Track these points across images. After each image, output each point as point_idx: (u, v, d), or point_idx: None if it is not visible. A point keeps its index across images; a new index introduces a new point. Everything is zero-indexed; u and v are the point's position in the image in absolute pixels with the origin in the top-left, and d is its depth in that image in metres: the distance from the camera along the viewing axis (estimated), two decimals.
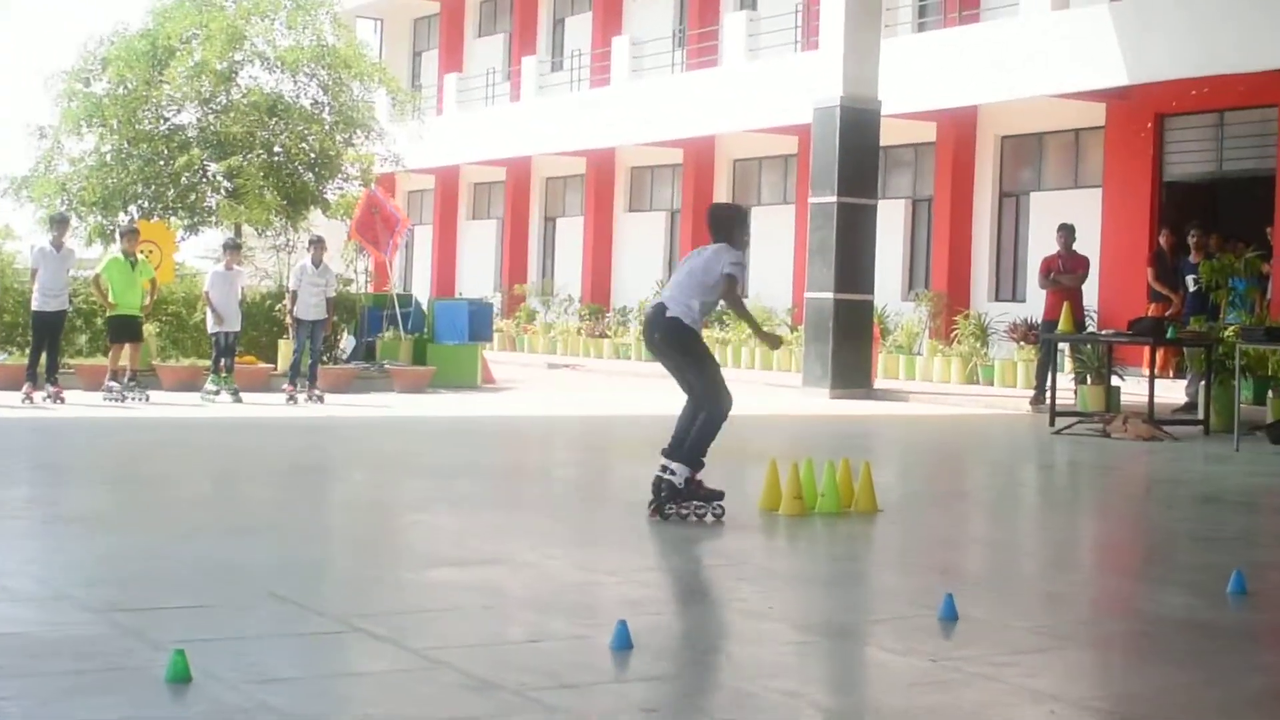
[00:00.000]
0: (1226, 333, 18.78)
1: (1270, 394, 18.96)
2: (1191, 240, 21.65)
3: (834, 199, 24.15)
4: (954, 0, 30.39)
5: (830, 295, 24.18)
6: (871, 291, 24.93)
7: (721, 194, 36.77)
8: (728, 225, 10.73)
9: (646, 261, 38.71)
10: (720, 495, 10.27)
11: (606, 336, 36.56)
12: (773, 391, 25.55)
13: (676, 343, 10.75)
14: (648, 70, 38.11)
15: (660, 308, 10.63)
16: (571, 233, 41.71)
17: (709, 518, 10.15)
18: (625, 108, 36.64)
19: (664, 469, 10.36)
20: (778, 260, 34.28)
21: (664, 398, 23.64)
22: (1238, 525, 11.35)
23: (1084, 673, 6.54)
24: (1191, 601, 7.86)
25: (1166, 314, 21.89)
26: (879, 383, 25.60)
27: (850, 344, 24.32)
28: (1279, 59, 23.31)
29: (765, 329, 10.66)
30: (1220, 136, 26.34)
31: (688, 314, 10.61)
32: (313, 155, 27.60)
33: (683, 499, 10.21)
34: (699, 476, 10.27)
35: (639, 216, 39.78)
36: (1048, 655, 6.67)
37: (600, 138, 37.79)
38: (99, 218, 27.27)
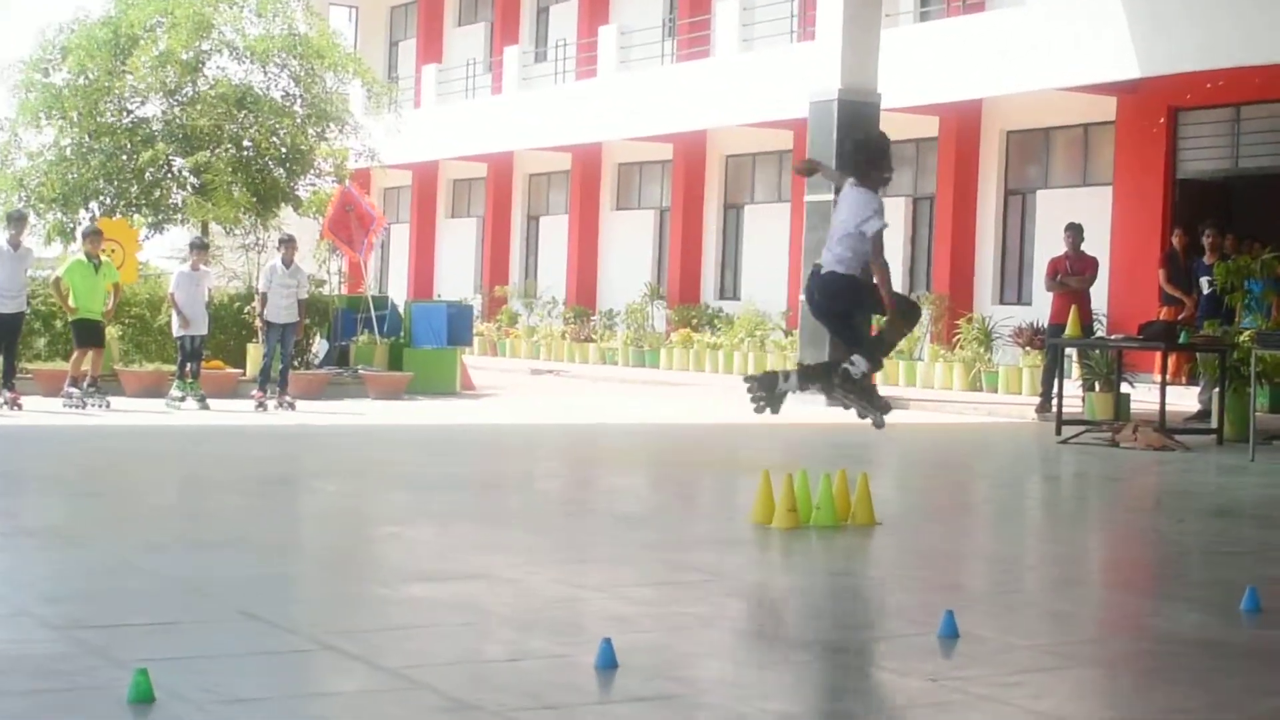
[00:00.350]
0: (1242, 337, 18.81)
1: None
2: (1206, 240, 21.70)
3: (831, 197, 24.00)
4: None
5: None
6: None
7: (713, 191, 36.85)
8: (863, 162, 11.32)
9: (634, 262, 38.75)
10: (888, 409, 11.23)
11: (592, 341, 36.59)
12: None
13: (838, 293, 11.10)
14: (636, 61, 38.15)
15: (815, 269, 11.19)
16: (556, 232, 41.73)
17: (870, 420, 11.21)
18: (612, 100, 36.67)
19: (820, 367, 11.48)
20: (772, 261, 34.32)
21: (651, 405, 23.71)
22: (1252, 539, 11.39)
23: (1091, 693, 6.56)
24: (1203, 619, 7.88)
25: (1179, 317, 21.94)
26: (878, 389, 25.58)
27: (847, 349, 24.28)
28: None
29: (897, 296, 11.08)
30: (1236, 132, 26.40)
31: (841, 263, 10.97)
32: (284, 150, 27.57)
33: (855, 391, 11.09)
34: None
35: (626, 215, 39.81)
36: (1053, 675, 6.68)
37: (586, 132, 37.81)
38: (58, 215, 27.23)
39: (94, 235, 20.83)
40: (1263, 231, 24.09)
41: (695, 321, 34.79)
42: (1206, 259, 21.53)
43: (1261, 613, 7.85)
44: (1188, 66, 25.03)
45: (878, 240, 10.85)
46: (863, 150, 11.51)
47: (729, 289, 36.60)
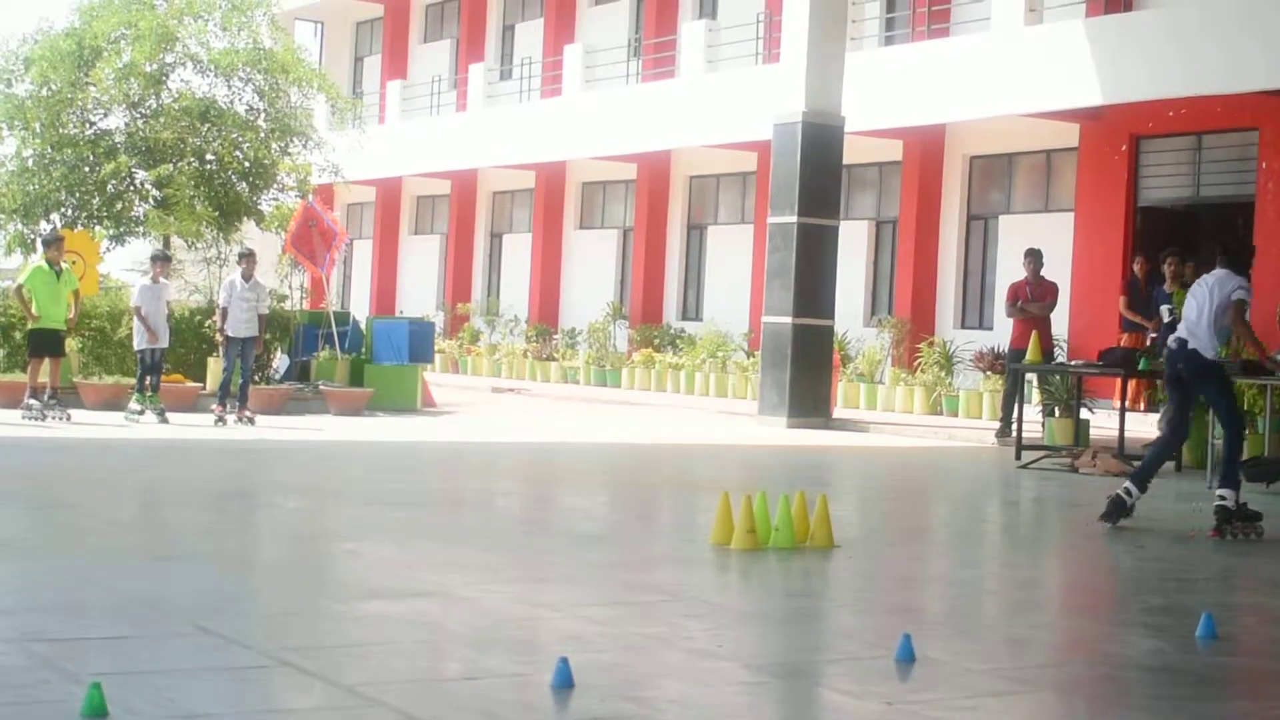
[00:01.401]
0: None
1: (1245, 430, 19.08)
2: (1167, 268, 21.77)
3: (794, 219, 24.23)
4: (923, 13, 30.55)
5: (789, 320, 24.25)
6: (832, 317, 25.01)
7: (677, 212, 36.88)
8: (1235, 254, 13.25)
9: (597, 281, 38.77)
10: (1259, 517, 12.58)
11: (554, 359, 36.58)
12: (728, 420, 25.61)
13: (1199, 374, 12.81)
14: (601, 81, 38.18)
15: (1183, 343, 12.78)
16: (519, 250, 41.73)
17: (1253, 536, 12.38)
18: (577, 120, 36.69)
19: (1128, 492, 12.71)
20: (734, 283, 34.38)
21: (612, 424, 23.71)
22: (1210, 566, 11.42)
23: (1046, 718, 6.58)
24: (1159, 645, 7.91)
25: (1150, 335, 22.04)
26: (838, 412, 25.68)
27: (809, 371, 24.38)
28: (1260, 80, 23.52)
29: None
30: (1198, 160, 26.54)
31: (1208, 347, 12.75)
32: (247, 164, 27.50)
33: (1234, 519, 12.44)
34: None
35: (590, 234, 39.83)
36: (1009, 700, 6.70)
37: (550, 150, 37.83)
38: (19, 225, 27.12)
39: (57, 242, 20.77)
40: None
41: (657, 341, 34.81)
42: (1167, 286, 21.59)
43: (1217, 639, 7.88)
44: (1150, 94, 25.16)
45: (1239, 305, 12.91)
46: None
47: (691, 309, 36.65)
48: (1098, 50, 25.44)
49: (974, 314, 30.34)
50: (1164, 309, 21.44)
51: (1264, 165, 24.98)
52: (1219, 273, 13.00)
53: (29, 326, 20.44)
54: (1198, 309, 12.86)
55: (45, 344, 20.12)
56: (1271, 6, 23.55)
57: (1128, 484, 12.83)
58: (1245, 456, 17.68)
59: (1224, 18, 24.06)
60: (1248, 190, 25.36)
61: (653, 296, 36.95)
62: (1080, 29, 26.01)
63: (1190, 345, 12.76)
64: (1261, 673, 7.72)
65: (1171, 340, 13.10)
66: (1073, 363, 22.10)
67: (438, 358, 35.98)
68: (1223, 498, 12.56)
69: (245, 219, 27.99)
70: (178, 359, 23.63)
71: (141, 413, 20.61)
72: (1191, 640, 7.88)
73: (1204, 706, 6.72)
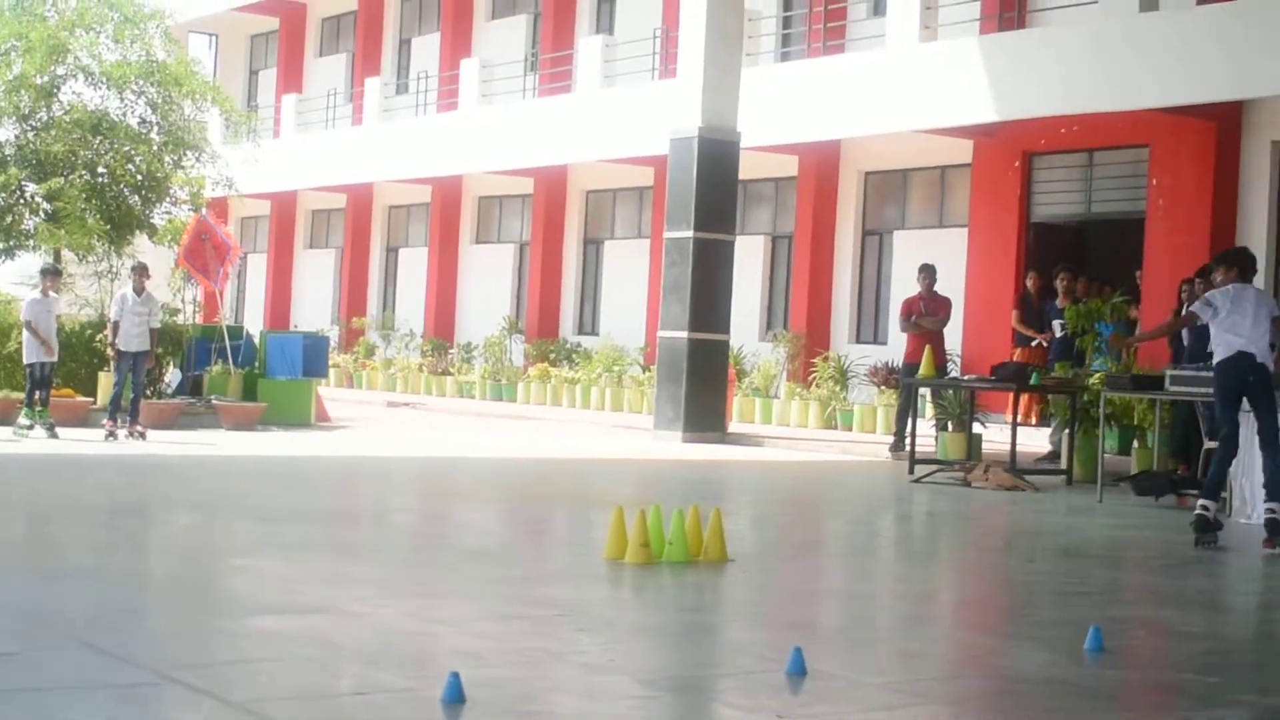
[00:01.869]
0: (1092, 380, 19.08)
1: (1135, 444, 19.30)
2: (1059, 283, 21.98)
3: (690, 234, 24.28)
4: (819, 30, 30.71)
5: (684, 335, 24.30)
6: (727, 331, 25.08)
7: (573, 226, 36.89)
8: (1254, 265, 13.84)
9: (493, 296, 38.72)
10: None
11: (449, 374, 36.48)
12: (623, 434, 25.61)
13: (1268, 384, 13.19)
14: (498, 95, 38.13)
15: (1247, 355, 13.14)
16: (414, 264, 41.60)
17: None
18: (473, 134, 36.62)
19: (1205, 508, 12.97)
20: (630, 297, 34.43)
21: (507, 439, 23.65)
22: (1099, 579, 11.53)
23: None
24: (1049, 658, 7.96)
25: (1035, 344, 22.23)
26: (734, 426, 25.74)
27: (704, 386, 24.43)
28: (1150, 99, 23.79)
29: None
30: (1089, 177, 26.83)
31: (1269, 356, 13.31)
32: (139, 177, 27.26)
33: None
34: None
35: (486, 248, 39.77)
36: (901, 713, 6.72)
37: (447, 165, 37.74)
38: None
39: None
40: (1114, 276, 24.49)
41: (553, 356, 34.78)
42: (1059, 302, 21.80)
43: (1104, 652, 7.95)
44: (1043, 111, 25.40)
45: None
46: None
47: (588, 324, 36.65)
48: (992, 67, 25.66)
49: (869, 329, 30.50)
50: (1056, 323, 21.67)
51: (1154, 182, 25.27)
52: (1249, 288, 13.49)
53: None
54: (1253, 321, 13.19)
55: None
56: (1160, 27, 23.83)
57: (1203, 501, 13.10)
58: (1134, 471, 17.92)
59: (1114, 37, 24.33)
60: (1139, 206, 25.63)
61: (549, 311, 36.92)
62: (975, 46, 26.22)
63: (1259, 359, 13.16)
64: (1148, 684, 7.79)
65: (1226, 350, 13.33)
66: (966, 377, 22.27)
67: (332, 372, 35.78)
68: (1271, 510, 12.89)
69: (137, 232, 27.74)
70: (68, 373, 23.38)
71: (31, 428, 20.37)
72: (1080, 653, 7.94)
73: (1092, 718, 6.76)
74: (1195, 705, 7.10)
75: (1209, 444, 16.63)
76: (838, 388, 27.89)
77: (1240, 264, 13.70)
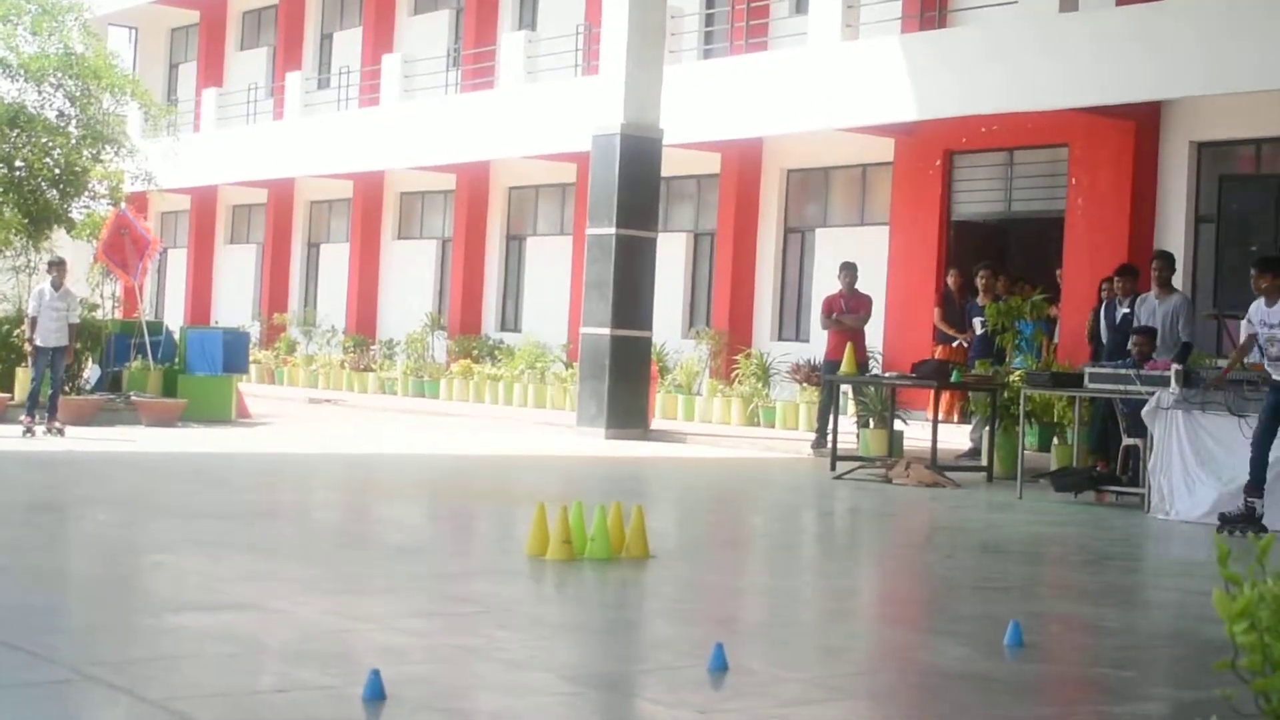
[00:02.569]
0: (1012, 377, 19.22)
1: (1055, 441, 19.45)
2: (980, 281, 22.10)
3: (612, 231, 24.31)
4: (741, 28, 30.79)
5: (607, 331, 24.32)
6: (650, 328, 25.11)
7: (496, 223, 36.84)
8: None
9: (415, 292, 38.62)
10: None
11: (371, 370, 36.37)
12: (546, 431, 25.61)
13: None
14: (420, 91, 38.05)
15: None
16: (336, 260, 41.45)
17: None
18: (396, 129, 36.53)
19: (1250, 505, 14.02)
20: (553, 294, 34.41)
21: (429, 435, 23.62)
22: (1018, 574, 11.63)
23: None
24: (969, 653, 8.02)
25: (957, 343, 22.37)
26: (656, 423, 25.78)
27: (627, 383, 24.47)
28: (1068, 98, 23.96)
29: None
30: (1009, 175, 26.99)
31: None
32: (57, 171, 27.04)
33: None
34: None
35: (408, 244, 39.67)
36: (821, 708, 6.76)
37: (369, 160, 37.63)
38: None
39: None
40: (1033, 274, 24.67)
41: (476, 353, 34.73)
42: (980, 299, 21.93)
43: (1023, 647, 8.01)
44: (962, 110, 25.53)
45: None
46: None
47: (510, 320, 36.61)
48: (913, 66, 25.79)
49: (791, 326, 30.60)
50: (976, 321, 21.80)
51: (1074, 181, 25.45)
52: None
53: None
54: None
55: None
56: (1079, 27, 24.00)
57: (1248, 498, 14.05)
58: (1054, 467, 18.07)
59: (1034, 37, 24.49)
60: (1058, 205, 25.81)
61: (471, 307, 36.86)
62: (896, 45, 26.34)
63: None
64: (1066, 679, 7.86)
65: None
66: (887, 374, 22.37)
67: (253, 368, 35.63)
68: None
69: (55, 227, 27.51)
70: None
71: None
72: (999, 648, 8.01)
73: (1011, 712, 6.83)
74: (1112, 699, 7.17)
75: (1127, 441, 16.80)
76: (760, 385, 27.96)
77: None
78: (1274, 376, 14.07)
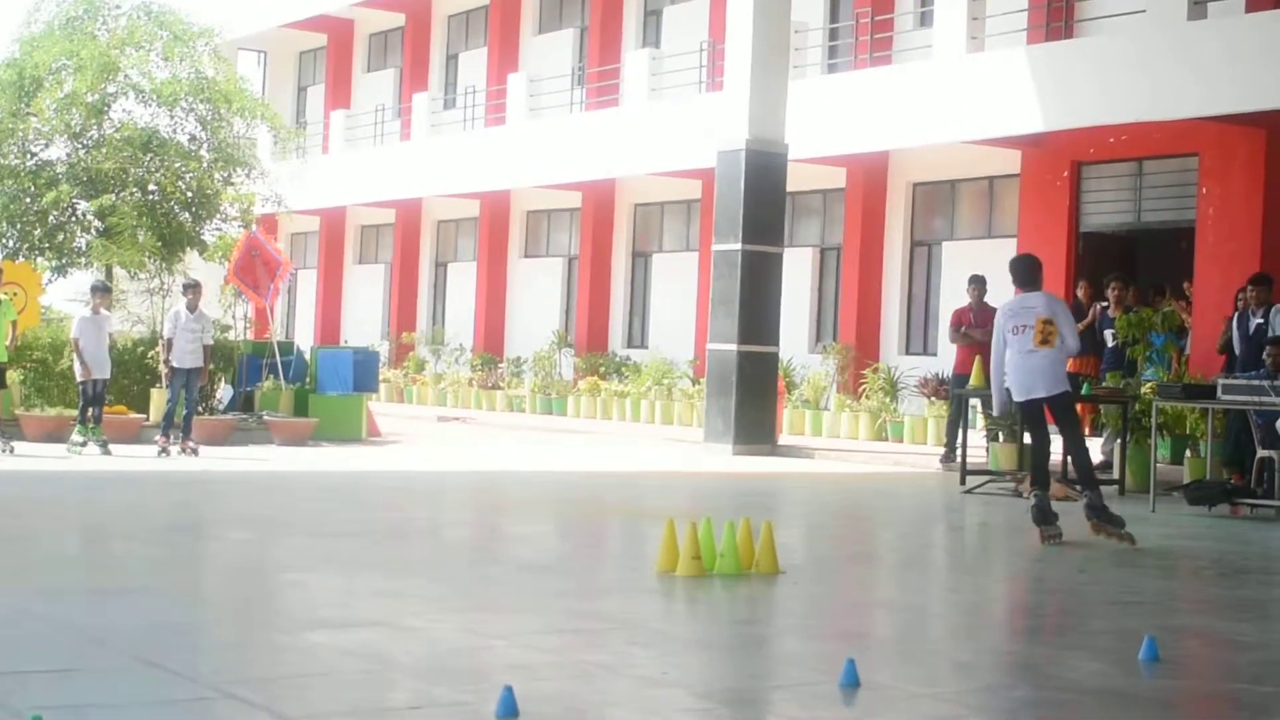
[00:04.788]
0: (1143, 390, 19.02)
1: (1187, 453, 19.22)
2: (1111, 293, 21.88)
3: (738, 246, 24.29)
4: (865, 41, 30.69)
5: (734, 347, 24.31)
6: (777, 343, 25.07)
7: (621, 240, 36.93)
8: None
9: (542, 309, 38.77)
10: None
11: (499, 388, 36.55)
12: (673, 447, 25.62)
13: None
14: (545, 109, 38.22)
15: None
16: (463, 279, 41.69)
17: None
18: (521, 148, 36.71)
19: None
20: (679, 310, 34.44)
21: (557, 453, 23.70)
22: (1152, 589, 11.50)
23: None
24: (1103, 668, 7.95)
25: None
26: (784, 439, 25.73)
27: (754, 398, 24.43)
28: (1199, 107, 23.70)
29: None
30: (1139, 186, 26.72)
31: None
32: (190, 194, 27.42)
33: None
34: None
35: (535, 262, 39.84)
36: None
37: (495, 179, 37.84)
38: None
39: None
40: (1164, 285, 24.40)
41: (603, 369, 34.82)
42: (1111, 311, 21.71)
43: (1159, 662, 7.93)
44: (1091, 121, 25.33)
45: None
46: None
47: (636, 337, 36.67)
48: (1039, 77, 25.61)
49: (918, 340, 30.45)
50: (1108, 333, 21.60)
51: (1204, 190, 25.17)
52: None
53: None
54: None
55: None
56: (1208, 35, 23.76)
57: None
58: (1187, 480, 17.85)
59: (1161, 46, 24.26)
60: (1188, 216, 25.53)
61: (598, 324, 36.97)
62: (1022, 56, 26.18)
63: None
64: (1202, 694, 7.77)
65: None
66: None
67: (383, 387, 35.90)
68: None
69: (188, 249, 27.91)
70: (121, 390, 23.53)
71: (84, 445, 20.48)
72: (1134, 663, 7.93)
73: None
74: (1250, 715, 7.09)
75: (1262, 452, 16.57)
76: (888, 399, 27.85)
77: None
78: None
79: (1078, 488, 14.83)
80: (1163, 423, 18.52)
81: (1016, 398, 13.79)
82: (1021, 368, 13.56)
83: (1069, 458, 13.37)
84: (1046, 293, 13.88)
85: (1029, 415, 14.14)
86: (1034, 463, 14.03)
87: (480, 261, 40.56)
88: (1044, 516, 13.46)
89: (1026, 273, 13.92)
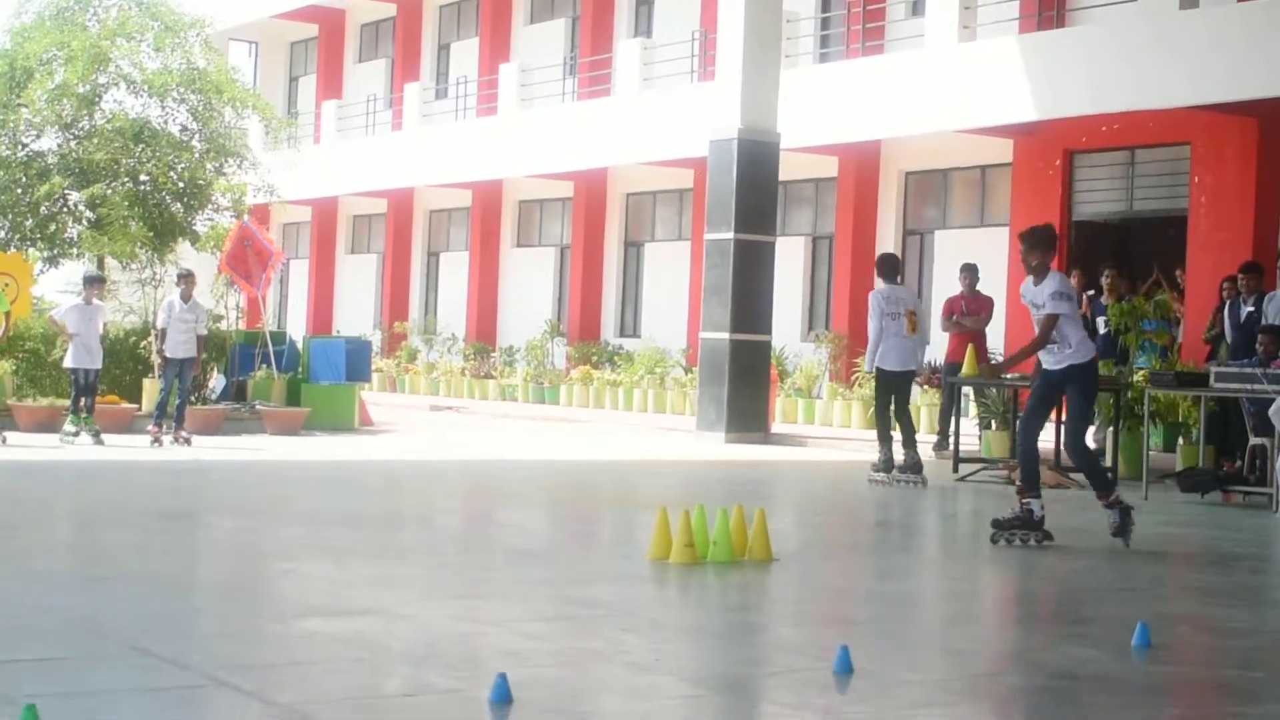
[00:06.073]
0: (1136, 377, 19.04)
1: (1180, 441, 19.23)
2: (1105, 281, 21.88)
3: (731, 235, 24.29)
4: (857, 30, 30.67)
5: (726, 336, 24.31)
6: (769, 332, 25.08)
7: (614, 229, 36.91)
8: None
9: (534, 299, 38.76)
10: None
11: (492, 377, 36.54)
12: (666, 436, 25.63)
13: None
14: (537, 99, 38.19)
15: None
16: (456, 268, 41.67)
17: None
18: (513, 138, 36.68)
19: None
20: (672, 299, 34.43)
21: (550, 442, 23.71)
22: (1144, 576, 11.51)
23: None
24: (1095, 655, 7.96)
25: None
26: (776, 427, 25.73)
27: (747, 387, 24.44)
28: (1190, 96, 23.70)
29: None
30: (1131, 175, 26.73)
31: None
32: (181, 184, 27.39)
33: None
34: None
35: (527, 252, 39.82)
36: (945, 711, 6.74)
37: (487, 169, 37.81)
38: None
39: None
40: (1157, 274, 24.43)
41: (595, 359, 34.82)
42: (1104, 299, 21.72)
43: (1152, 648, 7.94)
44: (1083, 110, 25.32)
45: None
46: None
47: (629, 326, 36.66)
48: (1032, 66, 25.60)
49: None
50: (1100, 320, 21.60)
51: (1196, 179, 25.18)
52: None
53: None
54: None
55: None
56: (1199, 24, 23.77)
57: (1023, 500, 12.53)
58: (1179, 468, 17.88)
59: (1153, 35, 24.27)
60: (1180, 204, 25.54)
61: (590, 314, 36.96)
62: (1014, 45, 26.17)
63: None
64: (1194, 680, 7.79)
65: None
66: (1009, 376, 22.18)
67: (375, 376, 35.86)
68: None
69: (180, 240, 27.90)
70: (113, 380, 23.52)
71: (76, 434, 20.47)
72: (1127, 650, 7.94)
73: (1139, 714, 6.76)
74: (1242, 701, 7.10)
75: (1254, 440, 16.59)
76: None
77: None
78: (1043, 364, 12.94)
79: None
80: (1155, 411, 18.53)
81: (893, 368, 17.72)
82: (898, 348, 17.73)
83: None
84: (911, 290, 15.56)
85: (900, 383, 17.91)
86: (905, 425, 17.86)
87: (472, 251, 40.53)
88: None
89: (888, 269, 18.28)
